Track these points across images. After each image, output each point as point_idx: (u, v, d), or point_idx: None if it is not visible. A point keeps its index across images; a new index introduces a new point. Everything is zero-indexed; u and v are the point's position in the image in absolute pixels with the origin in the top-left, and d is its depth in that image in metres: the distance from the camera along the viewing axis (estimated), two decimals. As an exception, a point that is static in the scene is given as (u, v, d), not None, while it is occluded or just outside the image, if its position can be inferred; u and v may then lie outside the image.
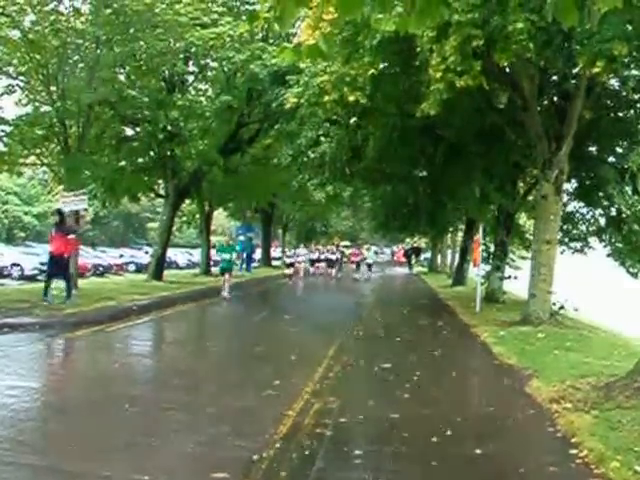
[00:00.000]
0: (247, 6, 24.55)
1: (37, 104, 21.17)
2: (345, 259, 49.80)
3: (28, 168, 28.52)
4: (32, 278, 28.31)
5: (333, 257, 43.83)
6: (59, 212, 17.61)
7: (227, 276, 22.67)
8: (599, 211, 22.71)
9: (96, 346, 12.08)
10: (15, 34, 19.11)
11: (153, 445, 6.36)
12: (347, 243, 62.52)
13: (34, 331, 12.82)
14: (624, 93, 17.50)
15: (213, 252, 33.65)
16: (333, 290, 34.36)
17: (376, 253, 56.30)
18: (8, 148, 21.41)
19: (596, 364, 10.36)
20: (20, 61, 19.46)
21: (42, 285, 16.86)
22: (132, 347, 12.53)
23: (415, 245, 64.57)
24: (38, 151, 22.19)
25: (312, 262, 45.10)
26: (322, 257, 44.58)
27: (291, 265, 36.35)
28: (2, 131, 20.67)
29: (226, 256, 23.19)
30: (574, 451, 6.34)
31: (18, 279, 28.35)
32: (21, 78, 20.32)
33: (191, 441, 6.45)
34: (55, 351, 11.28)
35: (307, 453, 6.27)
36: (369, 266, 42.15)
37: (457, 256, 40.38)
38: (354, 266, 44.09)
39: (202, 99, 27.17)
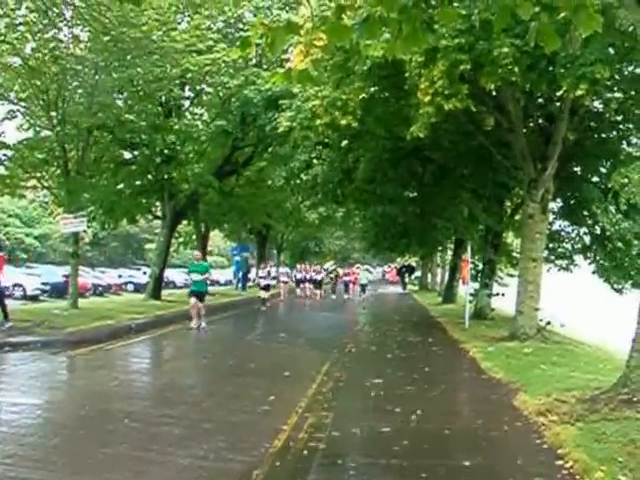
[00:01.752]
0: (242, 32, 24.86)
1: (38, 129, 21.51)
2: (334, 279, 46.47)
3: (29, 191, 28.62)
4: (34, 298, 28.66)
5: (318, 277, 41.11)
6: None
7: (196, 301, 18.54)
8: (584, 229, 23.02)
9: (96, 364, 12.25)
10: (16, 61, 19.37)
11: (151, 459, 6.51)
12: (330, 263, 61.89)
13: (36, 349, 13.02)
14: (607, 115, 17.78)
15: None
16: (324, 309, 32.53)
17: (370, 272, 53.54)
18: (10, 172, 21.64)
19: (581, 378, 10.57)
20: (21, 87, 19.78)
21: (45, 305, 16.89)
22: (131, 364, 12.72)
23: (407, 263, 64.45)
24: (39, 174, 22.42)
25: (298, 283, 42.29)
26: (307, 277, 41.18)
27: (266, 288, 28.95)
28: (4, 155, 20.92)
29: (197, 277, 18.91)
30: (560, 462, 6.51)
31: (20, 299, 28.51)
32: (22, 104, 20.55)
33: (188, 455, 6.60)
34: (56, 369, 11.39)
35: (301, 466, 6.45)
36: (363, 287, 40.77)
37: (447, 274, 40.77)
38: (343, 286, 43.06)
39: (198, 123, 27.36)
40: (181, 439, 7.25)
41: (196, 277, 18.92)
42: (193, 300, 18.57)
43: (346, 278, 43.86)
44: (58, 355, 12.13)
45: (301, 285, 41.68)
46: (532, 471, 6.31)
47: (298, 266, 45.89)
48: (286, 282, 38.80)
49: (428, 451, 7.01)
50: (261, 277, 29.70)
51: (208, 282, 20.52)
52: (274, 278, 40.09)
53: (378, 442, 7.45)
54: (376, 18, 4.36)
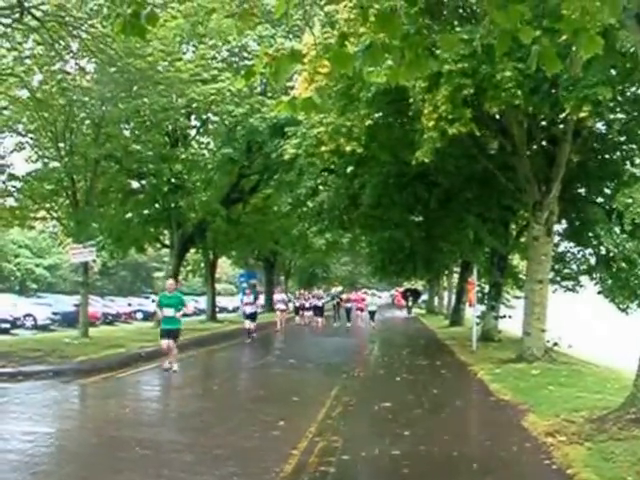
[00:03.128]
0: (246, 61, 25.16)
1: (46, 160, 21.81)
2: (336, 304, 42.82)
3: (38, 222, 28.81)
4: (45, 328, 28.78)
5: (319, 303, 37.28)
6: None
7: (169, 343, 14.80)
8: (589, 250, 23.01)
9: (107, 392, 12.31)
10: (24, 93, 19.75)
11: None
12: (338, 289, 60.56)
13: (47, 378, 13.10)
14: (610, 136, 17.96)
15: (219, 299, 33.45)
16: (330, 335, 31.10)
17: (378, 297, 49.41)
18: (19, 203, 22.05)
19: (589, 398, 10.60)
20: (29, 119, 20.10)
21: (56, 335, 16.89)
22: (141, 392, 12.77)
23: (413, 287, 64.29)
24: (48, 205, 22.65)
25: (297, 310, 39.48)
26: (307, 304, 37.65)
27: (252, 316, 24.45)
28: (13, 187, 21.31)
29: (168, 312, 14.90)
30: None
31: (31, 329, 28.74)
32: (30, 136, 20.93)
33: None
34: (68, 397, 11.45)
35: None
36: (372, 314, 36.24)
37: (453, 297, 40.70)
38: (344, 312, 38.45)
39: (204, 152, 27.73)
40: (192, 465, 7.27)
41: (168, 312, 14.95)
42: (165, 342, 14.78)
43: (347, 305, 38.82)
44: (69, 384, 12.19)
45: (300, 312, 38.89)
46: (542, 492, 6.30)
47: (297, 292, 43.37)
48: (283, 310, 33.86)
49: (438, 473, 7.04)
50: (247, 304, 25.10)
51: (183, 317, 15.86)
52: (287, 302, 38.99)
53: (388, 465, 7.45)
54: (379, 45, 4.42)
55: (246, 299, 25.84)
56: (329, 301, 43.54)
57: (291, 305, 43.16)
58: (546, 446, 8.05)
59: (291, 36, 25.35)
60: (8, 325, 28.21)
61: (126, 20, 4.03)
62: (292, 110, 5.14)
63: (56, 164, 21.04)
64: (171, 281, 16.68)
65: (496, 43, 4.74)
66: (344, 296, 43.63)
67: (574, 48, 4.59)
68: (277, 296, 38.25)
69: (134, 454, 7.65)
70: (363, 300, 41.53)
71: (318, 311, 36.49)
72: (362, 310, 40.18)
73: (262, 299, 43.92)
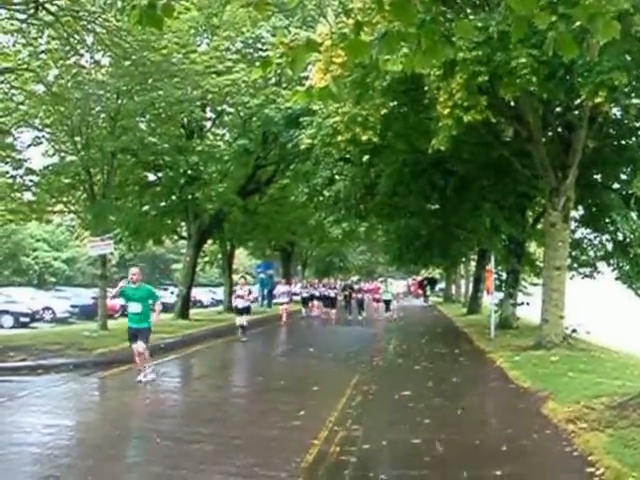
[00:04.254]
0: (260, 52, 25.15)
1: (63, 154, 21.90)
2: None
3: (56, 215, 29.14)
4: (63, 321, 29.02)
5: (332, 294, 34.26)
6: None
7: (137, 346, 12.31)
8: (606, 236, 22.88)
9: (127, 384, 12.36)
10: (40, 88, 19.84)
11: (184, 477, 6.59)
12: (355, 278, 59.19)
13: (67, 371, 13.26)
14: (626, 121, 17.82)
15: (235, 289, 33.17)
16: (344, 325, 30.35)
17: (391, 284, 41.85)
18: (37, 197, 22.26)
19: (609, 384, 10.55)
20: (45, 114, 20.12)
21: (74, 327, 16.93)
22: (161, 383, 12.81)
23: (430, 276, 64.26)
24: (65, 199, 22.95)
25: (304, 302, 35.86)
26: (318, 294, 34.78)
27: (244, 311, 21.05)
28: (31, 181, 21.51)
29: (135, 307, 12.44)
30: (591, 469, 6.53)
31: (50, 322, 29.00)
32: (47, 130, 20.95)
33: (220, 472, 6.68)
34: (88, 390, 11.53)
35: (334, 479, 6.53)
36: (387, 304, 33.39)
37: (471, 285, 40.63)
38: (356, 303, 35.43)
39: (220, 144, 27.71)
40: (213, 456, 7.33)
41: (136, 308, 12.41)
42: (135, 347, 12.34)
43: (359, 295, 36.29)
44: (89, 376, 12.30)
45: (310, 304, 35.35)
46: (563, 478, 6.44)
47: (304, 282, 40.24)
48: (287, 303, 31.45)
49: (459, 461, 7.01)
50: (239, 296, 21.63)
51: (154, 315, 12.98)
52: (293, 294, 37.53)
53: (409, 454, 7.48)
54: (395, 33, 4.40)
55: (239, 291, 22.06)
56: (342, 290, 38.64)
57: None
58: (567, 433, 8.05)
59: (304, 27, 25.28)
60: (27, 319, 28.47)
61: (142, 11, 4.04)
62: (309, 99, 5.13)
63: (73, 158, 21.14)
64: (135, 270, 13.23)
65: (512, 29, 4.69)
66: (356, 286, 40.68)
67: (590, 33, 4.51)
68: (280, 288, 34.44)
69: (155, 446, 7.72)
70: (378, 289, 38.46)
71: (329, 302, 33.78)
72: (378, 301, 37.20)
73: (256, 291, 40.29)
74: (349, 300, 36.07)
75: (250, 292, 23.33)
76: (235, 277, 35.86)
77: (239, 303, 21.25)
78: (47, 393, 10.87)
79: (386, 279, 47.00)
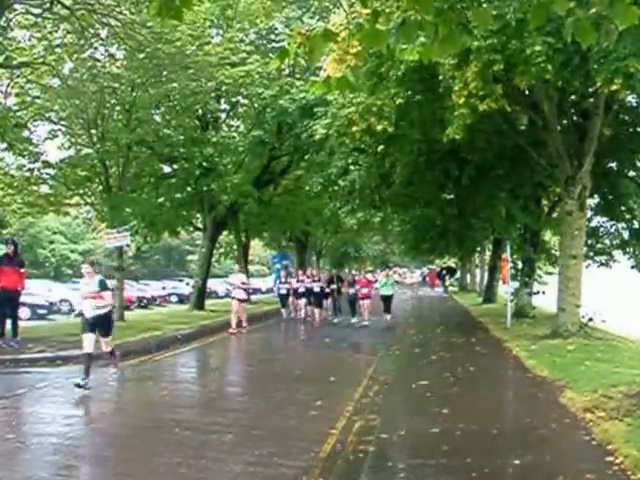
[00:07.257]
0: (274, 43, 25.18)
1: (78, 147, 22.12)
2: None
3: (72, 208, 29.24)
4: (81, 313, 29.12)
5: (316, 288, 24.61)
6: (13, 242, 15.62)
7: (93, 341, 10.86)
8: (622, 225, 22.83)
9: (144, 375, 12.46)
10: (55, 82, 20.02)
11: (203, 466, 6.60)
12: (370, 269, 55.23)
13: (86, 362, 13.30)
14: (642, 108, 17.68)
15: (251, 280, 32.63)
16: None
17: (395, 282, 29.27)
18: (53, 190, 22.47)
19: (627, 373, 10.51)
20: (61, 107, 20.23)
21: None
22: (179, 374, 12.91)
23: (448, 264, 64.06)
24: (81, 191, 23.08)
25: (281, 299, 26.85)
26: (302, 289, 25.18)
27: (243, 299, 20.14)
28: (47, 174, 21.73)
29: (87, 306, 11.17)
30: (610, 458, 6.47)
31: (67, 314, 29.27)
32: (62, 123, 21.12)
33: (239, 462, 6.69)
34: (106, 381, 11.56)
35: (352, 469, 6.51)
36: (387, 301, 23.23)
37: (486, 274, 40.52)
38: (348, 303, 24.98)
39: (235, 135, 27.75)
40: (232, 446, 7.36)
41: (86, 306, 11.21)
42: (88, 339, 10.83)
43: (351, 290, 24.44)
44: (107, 367, 12.35)
45: (293, 301, 26.79)
46: (583, 468, 6.28)
47: (282, 273, 29.40)
48: (243, 300, 21.44)
49: (477, 451, 6.98)
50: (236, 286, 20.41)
51: (110, 307, 11.81)
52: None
53: (427, 443, 7.45)
54: (412, 22, 4.39)
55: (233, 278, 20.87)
56: (329, 283, 26.23)
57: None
58: (585, 422, 8.00)
59: (318, 17, 25.22)
60: (45, 311, 28.77)
61: (161, 2, 4.06)
62: (327, 89, 5.12)
63: (89, 150, 21.27)
64: (87, 263, 11.95)
65: (530, 16, 4.66)
66: (349, 278, 27.31)
67: (608, 19, 4.47)
68: (234, 276, 23.06)
69: (174, 436, 7.72)
70: (370, 283, 24.93)
71: (316, 299, 24.73)
72: (365, 297, 23.75)
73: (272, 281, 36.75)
74: (337, 297, 26.74)
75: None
76: (251, 268, 35.76)
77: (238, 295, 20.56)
78: (66, 384, 10.87)
79: (385, 268, 40.27)
